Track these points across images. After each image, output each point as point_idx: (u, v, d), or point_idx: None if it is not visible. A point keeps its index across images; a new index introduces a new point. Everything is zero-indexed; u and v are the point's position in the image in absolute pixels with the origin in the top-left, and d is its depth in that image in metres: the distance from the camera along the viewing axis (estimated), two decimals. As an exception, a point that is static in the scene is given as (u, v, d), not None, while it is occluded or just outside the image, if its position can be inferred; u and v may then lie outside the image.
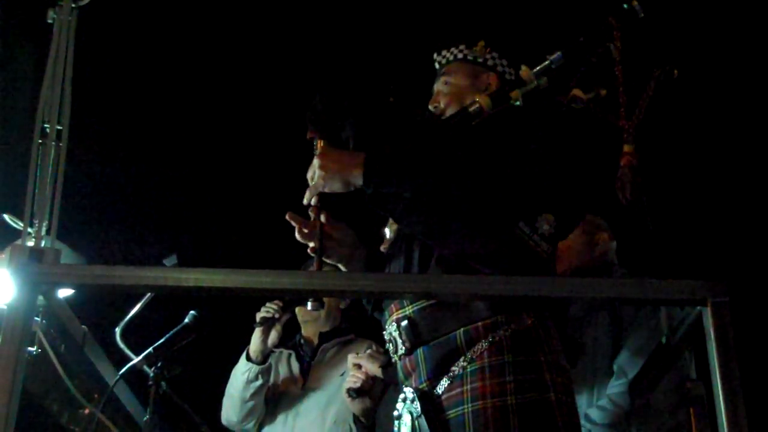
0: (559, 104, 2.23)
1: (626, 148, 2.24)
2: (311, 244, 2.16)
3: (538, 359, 1.95)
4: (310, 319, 3.39)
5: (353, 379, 2.94)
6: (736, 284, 1.59)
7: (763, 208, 4.39)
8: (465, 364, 1.95)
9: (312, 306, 2.09)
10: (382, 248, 2.26)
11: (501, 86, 2.28)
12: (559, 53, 2.22)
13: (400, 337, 2.06)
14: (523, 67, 2.23)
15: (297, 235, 2.19)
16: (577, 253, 3.20)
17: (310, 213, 2.16)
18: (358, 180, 2.04)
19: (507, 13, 4.23)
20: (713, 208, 4.48)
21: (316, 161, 2.10)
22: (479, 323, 1.97)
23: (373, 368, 2.91)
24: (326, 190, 2.09)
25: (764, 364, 3.79)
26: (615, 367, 2.98)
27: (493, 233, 1.98)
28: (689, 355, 2.92)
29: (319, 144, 2.16)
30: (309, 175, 2.12)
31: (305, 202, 2.15)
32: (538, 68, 2.22)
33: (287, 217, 2.18)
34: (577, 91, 2.22)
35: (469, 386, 1.92)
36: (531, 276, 1.86)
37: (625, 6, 2.21)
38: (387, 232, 3.29)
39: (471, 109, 2.18)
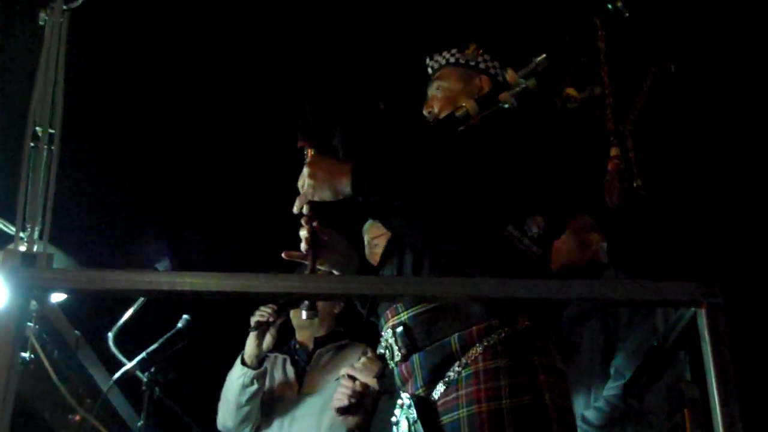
0: (553, 104, 2.23)
1: (613, 151, 2.24)
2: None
3: (532, 362, 1.94)
4: (304, 324, 3.39)
5: (339, 396, 2.93)
6: (731, 285, 1.59)
7: (758, 208, 4.40)
8: (460, 368, 1.95)
9: (306, 315, 2.11)
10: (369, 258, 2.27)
11: (488, 90, 2.28)
12: (544, 55, 2.22)
13: (396, 344, 2.06)
14: (509, 71, 2.23)
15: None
16: (567, 253, 3.19)
17: (302, 222, 2.16)
18: (346, 188, 2.05)
19: (494, 15, 4.23)
20: (707, 209, 4.49)
21: (305, 170, 2.11)
22: (473, 328, 1.97)
23: (368, 379, 2.91)
24: (316, 198, 2.10)
25: (759, 365, 3.80)
26: (612, 369, 2.98)
27: (482, 237, 1.98)
28: (684, 356, 2.93)
29: (310, 153, 2.16)
30: (299, 184, 2.13)
31: (296, 210, 2.16)
32: (523, 71, 2.22)
33: (284, 256, 2.19)
34: (570, 90, 2.22)
35: (464, 391, 1.92)
36: (523, 278, 1.86)
37: (610, 6, 2.22)
38: (365, 240, 3.30)
39: (458, 114, 2.19)
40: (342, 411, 2.92)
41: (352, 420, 2.94)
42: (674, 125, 4.19)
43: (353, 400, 2.90)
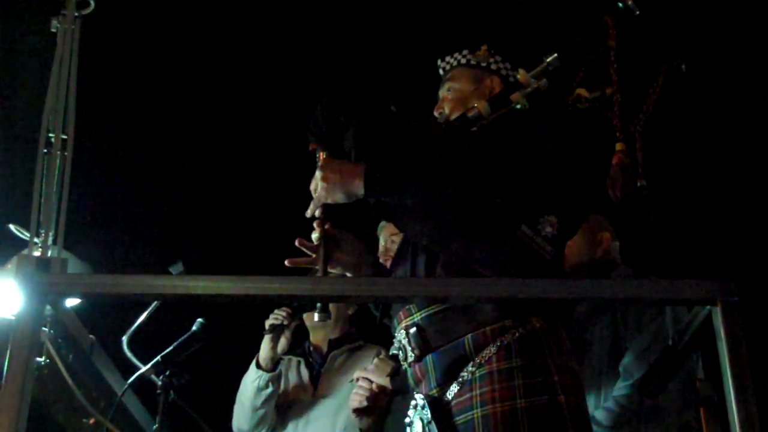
0: (564, 104, 2.23)
1: (618, 146, 2.24)
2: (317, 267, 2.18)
3: (546, 362, 1.94)
4: (318, 327, 3.39)
5: (357, 398, 2.94)
6: (746, 283, 1.59)
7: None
8: (474, 369, 1.95)
9: (319, 317, 2.11)
10: (382, 260, 2.27)
11: (500, 91, 2.28)
12: (555, 55, 2.22)
13: (409, 344, 2.06)
14: (521, 71, 2.23)
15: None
16: (578, 252, 3.17)
17: (314, 225, 2.17)
18: (359, 190, 2.05)
19: (505, 16, 4.22)
20: (722, 207, 4.47)
21: (317, 173, 2.11)
22: (487, 328, 1.97)
23: (381, 380, 2.91)
24: (329, 201, 2.10)
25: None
26: (621, 369, 2.97)
27: (495, 237, 1.98)
28: (696, 355, 2.91)
29: (321, 156, 2.17)
30: (312, 187, 2.13)
31: (308, 214, 2.17)
32: (535, 71, 2.22)
33: (288, 263, 2.20)
34: (581, 91, 2.22)
35: (478, 391, 1.92)
36: (536, 278, 1.85)
37: (620, 5, 2.21)
38: (381, 239, 3.30)
39: (470, 114, 2.19)
40: (359, 412, 2.92)
41: (365, 420, 2.94)
42: (686, 124, 4.17)
43: (371, 402, 2.90)
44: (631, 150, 2.27)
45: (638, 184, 2.19)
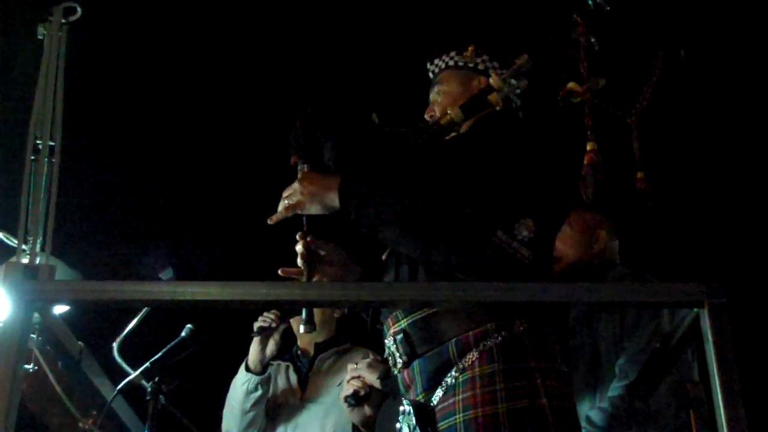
0: (555, 99, 2.23)
1: (589, 146, 2.24)
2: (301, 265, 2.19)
3: (528, 365, 1.94)
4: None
5: (348, 386, 2.93)
6: (734, 286, 1.59)
7: (761, 208, 4.39)
8: (457, 374, 1.95)
9: (304, 329, 2.15)
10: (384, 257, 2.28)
11: (470, 96, 2.27)
12: (525, 56, 2.22)
13: (397, 351, 2.07)
14: (493, 75, 2.23)
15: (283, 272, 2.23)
16: (574, 249, 3.15)
17: (297, 237, 2.18)
18: (335, 202, 2.06)
19: (487, 18, 4.23)
20: (711, 209, 4.47)
21: (296, 184, 2.13)
22: (470, 333, 1.97)
23: (372, 378, 2.90)
24: (306, 212, 2.13)
25: (763, 365, 3.79)
26: (617, 369, 2.96)
27: (472, 244, 1.98)
28: (692, 356, 2.91)
29: (303, 169, 2.18)
30: (285, 194, 2.15)
31: (270, 222, 2.18)
32: (507, 72, 2.22)
33: (281, 273, 2.23)
34: (572, 85, 2.22)
35: (460, 396, 1.92)
36: (522, 282, 1.85)
37: (590, 2, 2.22)
38: None
39: (443, 121, 2.19)
40: (353, 399, 2.89)
41: (358, 413, 2.92)
42: (676, 122, 4.17)
43: (362, 392, 2.89)
44: (626, 142, 2.27)
45: (637, 175, 2.20)
